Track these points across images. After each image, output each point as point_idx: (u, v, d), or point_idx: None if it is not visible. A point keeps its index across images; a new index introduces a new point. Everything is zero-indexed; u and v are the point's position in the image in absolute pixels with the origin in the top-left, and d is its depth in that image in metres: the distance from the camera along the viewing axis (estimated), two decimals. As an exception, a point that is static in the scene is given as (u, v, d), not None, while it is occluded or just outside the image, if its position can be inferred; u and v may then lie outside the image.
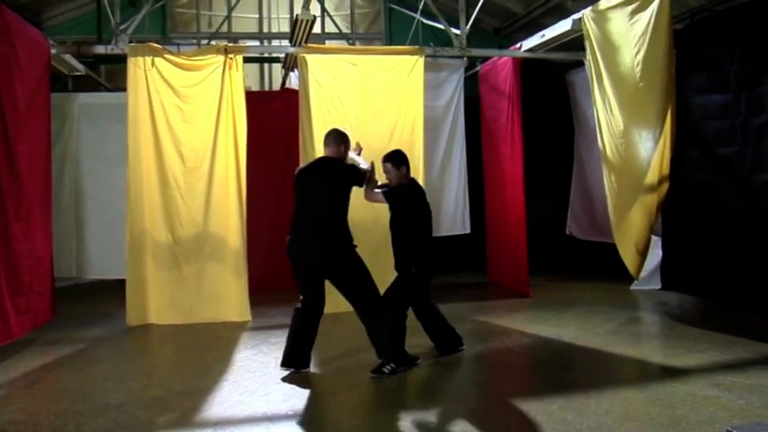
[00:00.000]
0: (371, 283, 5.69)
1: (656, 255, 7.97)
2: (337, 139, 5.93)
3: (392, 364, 5.51)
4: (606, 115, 7.35)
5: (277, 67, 11.78)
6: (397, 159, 5.92)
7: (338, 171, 5.76)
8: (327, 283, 5.67)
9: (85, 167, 9.23)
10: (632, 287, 8.94)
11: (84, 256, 9.19)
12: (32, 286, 6.79)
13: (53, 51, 7.73)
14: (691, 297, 7.93)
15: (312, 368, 5.69)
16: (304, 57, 8.25)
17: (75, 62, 8.80)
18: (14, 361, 6.17)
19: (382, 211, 8.16)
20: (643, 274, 7.89)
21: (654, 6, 6.60)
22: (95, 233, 9.13)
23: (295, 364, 5.56)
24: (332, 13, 12.15)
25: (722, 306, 7.18)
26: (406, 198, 5.86)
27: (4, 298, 6.18)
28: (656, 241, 7.73)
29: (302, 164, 7.97)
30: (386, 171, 5.93)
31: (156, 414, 4.73)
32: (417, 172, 8.48)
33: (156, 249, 7.77)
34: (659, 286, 8.11)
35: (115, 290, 8.64)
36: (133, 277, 7.67)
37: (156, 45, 7.94)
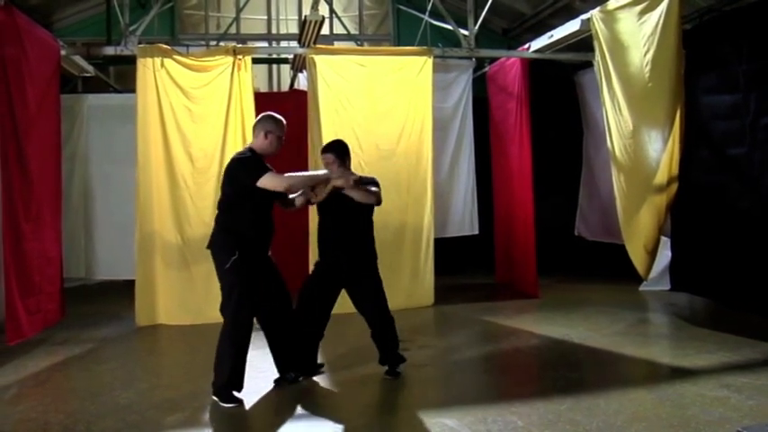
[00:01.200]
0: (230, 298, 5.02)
1: (665, 255, 7.95)
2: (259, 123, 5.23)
3: (401, 365, 5.52)
4: (615, 116, 7.34)
5: (286, 69, 11.80)
6: (339, 150, 5.46)
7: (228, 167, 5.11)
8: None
9: (95, 168, 9.26)
10: (641, 288, 8.91)
11: (92, 257, 9.21)
12: (42, 287, 6.81)
13: (63, 53, 7.77)
14: (700, 298, 7.92)
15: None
16: (313, 58, 8.26)
17: (84, 63, 8.82)
18: (24, 360, 6.19)
19: (391, 214, 8.24)
20: (652, 274, 7.86)
21: (663, 6, 6.58)
22: (104, 234, 9.15)
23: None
24: (340, 15, 12.17)
25: (731, 307, 7.16)
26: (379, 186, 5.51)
27: (15, 298, 6.21)
28: (665, 242, 7.71)
29: (310, 164, 8.04)
30: (328, 162, 5.40)
31: (165, 414, 4.74)
32: (426, 173, 8.52)
33: (165, 250, 7.79)
34: (668, 287, 8.11)
35: (124, 290, 8.66)
36: (142, 278, 7.69)
37: (165, 46, 7.96)
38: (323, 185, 5.28)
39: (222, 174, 5.24)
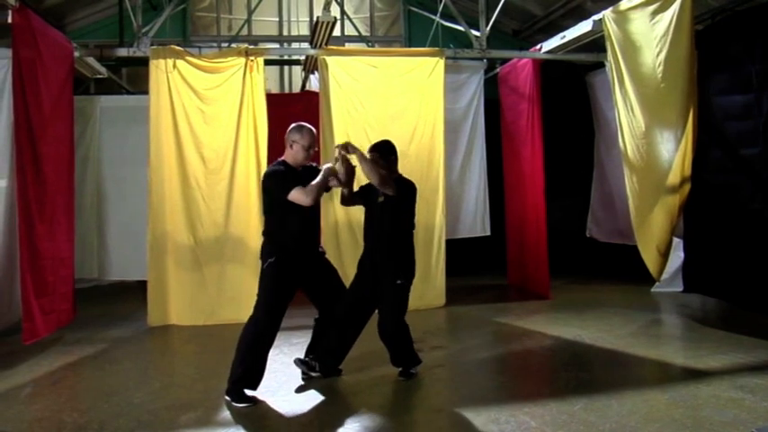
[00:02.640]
0: (260, 298, 5.13)
1: (677, 257, 7.93)
2: (287, 133, 5.33)
3: (416, 367, 5.53)
4: (627, 116, 7.31)
5: (297, 70, 11.84)
6: (385, 149, 5.53)
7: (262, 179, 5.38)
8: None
9: (107, 169, 9.30)
10: (653, 289, 8.87)
11: (105, 258, 9.24)
12: (56, 287, 6.86)
13: (76, 54, 7.83)
14: (713, 299, 7.90)
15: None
16: (324, 59, 8.28)
17: (97, 65, 8.88)
18: (39, 360, 6.23)
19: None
20: (664, 276, 7.83)
21: (675, 7, 6.55)
22: (117, 235, 9.19)
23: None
24: (351, 16, 12.21)
25: (745, 308, 7.13)
26: (408, 193, 5.50)
27: (31, 298, 6.26)
28: (678, 243, 7.69)
29: (322, 165, 8.05)
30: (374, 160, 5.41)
31: (177, 413, 4.76)
32: (438, 174, 8.51)
33: (177, 251, 7.82)
34: (681, 288, 8.09)
35: (136, 291, 8.70)
36: (155, 278, 7.73)
37: (177, 48, 7.99)
38: (337, 174, 5.39)
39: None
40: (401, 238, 5.47)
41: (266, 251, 5.16)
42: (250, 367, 4.98)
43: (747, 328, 6.70)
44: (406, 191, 5.47)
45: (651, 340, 6.68)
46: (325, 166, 5.36)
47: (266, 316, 5.03)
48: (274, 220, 5.21)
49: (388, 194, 5.31)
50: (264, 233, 5.26)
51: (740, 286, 6.88)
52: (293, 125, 5.32)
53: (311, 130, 5.30)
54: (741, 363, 5.63)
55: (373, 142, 5.72)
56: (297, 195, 5.01)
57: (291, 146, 5.23)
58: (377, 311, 5.48)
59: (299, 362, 5.48)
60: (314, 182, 5.13)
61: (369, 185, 5.51)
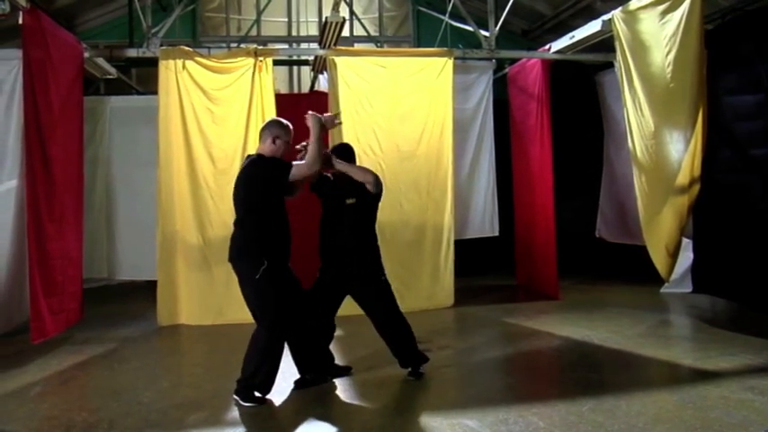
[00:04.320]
0: (264, 310, 4.97)
1: (686, 257, 7.90)
2: (266, 129, 5.15)
3: (422, 366, 5.52)
4: (636, 116, 7.29)
5: (306, 70, 11.87)
6: (347, 153, 5.50)
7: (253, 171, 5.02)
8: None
9: (117, 169, 9.33)
10: (662, 290, 8.84)
11: (115, 258, 9.27)
12: (65, 286, 6.88)
13: (86, 55, 7.86)
14: (722, 300, 7.86)
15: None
16: (333, 59, 8.29)
17: (107, 65, 8.90)
18: (48, 359, 6.27)
19: (411, 215, 8.26)
20: (674, 276, 7.79)
21: (685, 6, 6.53)
22: (126, 234, 9.21)
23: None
24: (360, 17, 12.22)
25: (754, 309, 7.09)
26: (378, 192, 5.38)
27: (39, 297, 6.28)
28: (687, 244, 7.66)
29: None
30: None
31: (186, 413, 4.78)
32: (446, 175, 8.51)
33: (186, 250, 7.84)
34: (690, 289, 8.06)
35: (145, 291, 8.73)
36: (164, 278, 7.76)
37: (186, 48, 8.02)
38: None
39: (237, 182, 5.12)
40: (374, 238, 5.47)
41: (252, 258, 4.88)
42: (265, 377, 4.94)
43: (757, 329, 6.66)
44: (377, 193, 5.41)
45: (660, 341, 6.66)
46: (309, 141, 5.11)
47: (274, 326, 4.93)
48: (259, 222, 4.93)
49: (367, 194, 5.29)
50: (247, 240, 4.94)
51: (750, 287, 6.85)
52: (270, 120, 5.28)
53: (290, 125, 5.18)
54: (751, 364, 5.60)
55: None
56: (298, 170, 4.86)
57: (274, 141, 5.01)
58: (369, 316, 5.49)
59: (302, 384, 5.35)
60: (310, 150, 4.97)
61: (332, 184, 5.45)
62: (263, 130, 5.16)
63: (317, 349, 5.44)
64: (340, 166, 5.29)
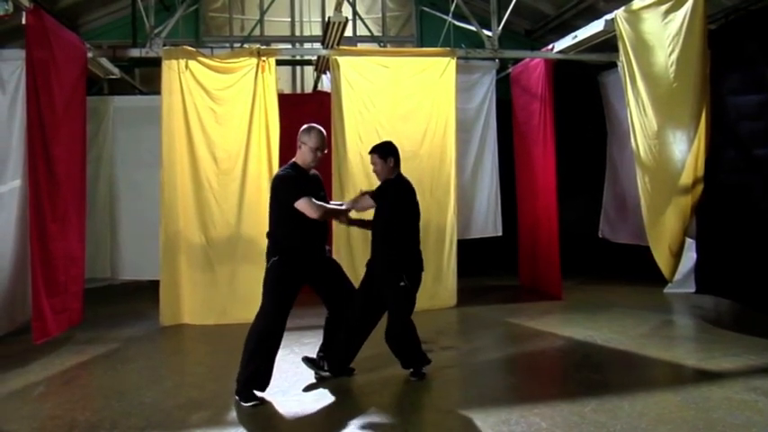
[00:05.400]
0: (265, 298, 5.12)
1: (690, 257, 7.89)
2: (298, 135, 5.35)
3: (425, 367, 5.53)
4: (640, 116, 7.28)
5: (309, 70, 11.85)
6: (383, 150, 5.56)
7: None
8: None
9: (120, 169, 9.36)
10: (666, 290, 8.84)
11: (118, 257, 9.30)
12: (67, 286, 6.89)
13: (89, 55, 7.86)
14: (726, 300, 7.85)
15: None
16: (336, 59, 8.29)
17: (110, 65, 8.91)
18: (51, 359, 6.27)
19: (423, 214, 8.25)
20: (677, 277, 7.77)
21: (688, 6, 6.52)
22: (129, 234, 9.25)
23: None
24: (363, 17, 12.22)
25: (758, 310, 7.07)
26: (395, 194, 5.48)
27: (42, 297, 6.28)
28: (691, 244, 7.65)
29: (334, 165, 8.10)
30: (372, 163, 5.58)
31: (188, 412, 4.79)
32: (449, 174, 8.50)
33: (189, 250, 7.85)
34: (693, 289, 8.05)
35: (148, 290, 8.74)
36: (167, 278, 7.76)
37: (189, 48, 8.03)
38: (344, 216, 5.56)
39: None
40: (396, 241, 5.46)
41: (271, 252, 5.16)
42: (258, 368, 4.98)
43: (761, 329, 6.65)
44: (394, 195, 5.47)
45: (663, 341, 6.65)
46: (345, 204, 5.55)
47: (272, 316, 5.03)
48: (281, 223, 5.19)
49: (378, 201, 5.40)
50: (269, 235, 5.24)
51: (753, 287, 6.83)
52: (305, 126, 5.33)
53: (321, 131, 5.29)
54: (754, 365, 5.59)
55: (371, 142, 5.79)
56: (304, 206, 5.03)
57: (300, 147, 5.25)
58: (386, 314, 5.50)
59: (307, 360, 5.53)
60: (330, 206, 5.30)
61: (375, 191, 5.56)
62: (299, 135, 5.34)
63: (353, 344, 5.49)
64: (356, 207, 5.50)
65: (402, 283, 5.35)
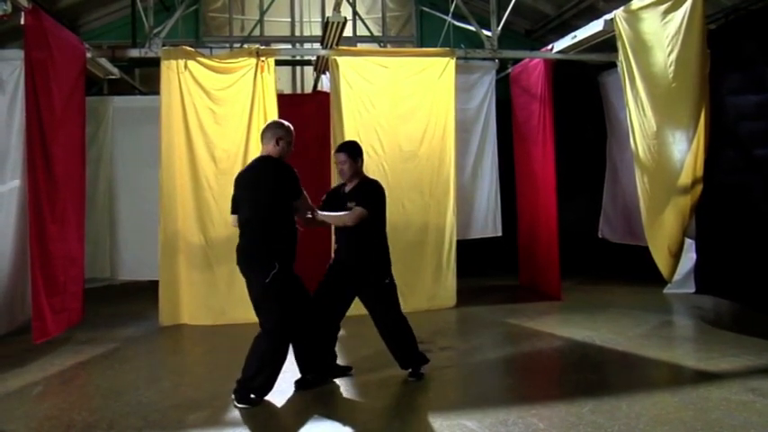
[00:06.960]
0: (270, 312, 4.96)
1: (689, 258, 7.89)
2: (268, 130, 5.17)
3: (423, 367, 5.52)
4: (639, 116, 7.27)
5: (309, 70, 11.84)
6: (353, 150, 5.46)
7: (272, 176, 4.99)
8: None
9: (119, 170, 9.36)
10: (665, 291, 8.84)
11: (117, 258, 9.31)
12: (67, 286, 6.89)
13: (89, 55, 7.86)
14: (725, 301, 7.85)
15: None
16: (335, 59, 8.28)
17: (110, 66, 8.92)
18: (50, 359, 6.27)
19: (414, 215, 8.25)
20: (676, 277, 7.79)
21: (687, 6, 6.51)
22: (129, 235, 9.24)
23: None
24: (363, 17, 12.23)
25: (757, 310, 7.08)
26: (380, 196, 5.44)
27: (41, 297, 6.28)
28: (690, 244, 7.65)
29: (333, 165, 8.08)
30: (340, 162, 5.43)
31: (186, 412, 4.78)
32: (449, 175, 8.50)
33: (188, 250, 7.85)
34: (693, 290, 8.06)
35: (148, 291, 8.73)
36: (166, 278, 7.76)
37: (189, 48, 8.03)
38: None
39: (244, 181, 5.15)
40: (377, 240, 5.45)
41: (265, 260, 4.87)
42: (266, 380, 4.94)
43: (760, 330, 6.65)
44: (380, 197, 5.45)
45: (662, 342, 6.64)
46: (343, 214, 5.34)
47: (280, 330, 4.93)
48: (268, 221, 4.92)
49: (359, 201, 5.30)
50: (259, 242, 4.92)
51: (753, 288, 6.83)
52: (272, 121, 5.31)
53: (291, 126, 5.20)
54: (753, 365, 5.59)
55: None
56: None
57: (278, 142, 5.02)
58: (371, 316, 5.49)
59: (301, 385, 5.33)
60: (321, 215, 5.26)
61: (333, 191, 5.59)
62: (264, 131, 5.17)
63: (320, 350, 5.43)
64: (322, 217, 5.33)
65: (387, 280, 5.40)
